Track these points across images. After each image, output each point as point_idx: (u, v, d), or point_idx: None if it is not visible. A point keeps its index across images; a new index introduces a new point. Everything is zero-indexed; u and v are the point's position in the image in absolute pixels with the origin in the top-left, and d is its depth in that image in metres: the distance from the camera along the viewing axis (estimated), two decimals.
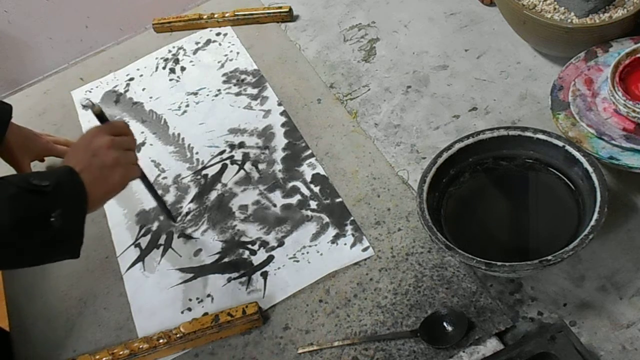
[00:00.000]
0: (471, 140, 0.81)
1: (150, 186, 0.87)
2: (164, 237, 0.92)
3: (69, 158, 0.73)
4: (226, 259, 0.88)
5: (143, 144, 1.05)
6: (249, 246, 0.88)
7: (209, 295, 0.84)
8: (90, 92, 1.17)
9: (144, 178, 0.84)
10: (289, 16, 1.18)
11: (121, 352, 0.79)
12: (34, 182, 0.65)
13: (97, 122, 0.79)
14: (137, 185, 0.99)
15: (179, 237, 0.92)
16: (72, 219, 0.67)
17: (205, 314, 0.82)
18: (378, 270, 0.82)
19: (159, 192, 0.92)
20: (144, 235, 0.93)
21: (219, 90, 1.10)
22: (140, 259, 0.90)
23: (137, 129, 1.08)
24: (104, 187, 0.72)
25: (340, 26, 1.15)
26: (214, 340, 0.80)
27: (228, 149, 1.01)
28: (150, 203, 0.96)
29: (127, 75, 1.18)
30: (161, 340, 0.79)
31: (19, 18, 1.32)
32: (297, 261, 0.85)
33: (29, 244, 0.64)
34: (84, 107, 0.75)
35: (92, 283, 0.89)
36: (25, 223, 0.63)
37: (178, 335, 0.79)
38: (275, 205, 0.92)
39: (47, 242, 0.65)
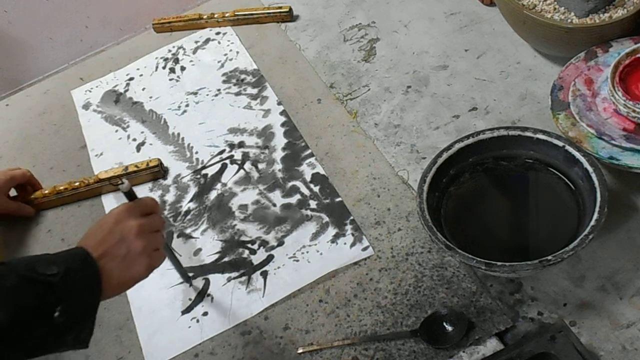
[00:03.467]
0: (471, 140, 0.81)
1: (170, 253, 0.80)
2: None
3: (88, 237, 0.66)
4: (226, 259, 0.88)
5: (143, 143, 1.05)
6: (249, 246, 0.88)
7: (208, 295, 0.84)
8: (90, 91, 1.17)
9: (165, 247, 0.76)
10: (289, 16, 1.18)
11: (47, 192, 0.98)
12: (40, 270, 0.58)
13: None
14: (136, 186, 0.99)
15: (178, 236, 0.92)
16: (79, 313, 0.60)
17: (205, 313, 0.83)
18: (378, 270, 0.82)
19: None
20: None
21: (218, 90, 1.10)
22: None
23: (137, 129, 1.08)
24: (125, 276, 0.65)
25: (340, 26, 1.15)
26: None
27: (228, 149, 1.01)
28: None
29: (127, 75, 1.18)
30: (79, 184, 0.98)
31: (19, 18, 1.32)
32: (297, 260, 0.85)
33: (28, 339, 0.57)
34: (114, 185, 0.69)
35: None
36: (24, 317, 0.56)
37: (95, 181, 0.97)
38: (275, 205, 0.92)
39: (48, 336, 0.58)
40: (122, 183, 0.69)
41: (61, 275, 0.59)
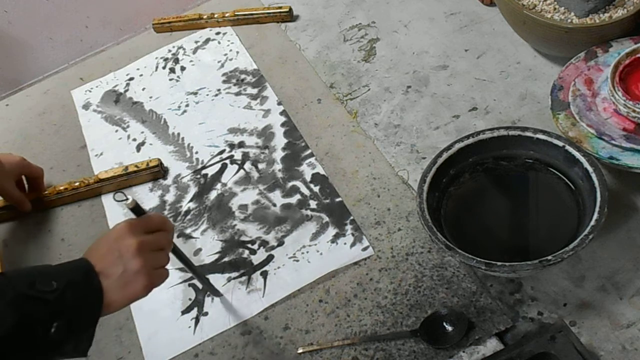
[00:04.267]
0: (471, 140, 0.81)
1: (188, 265, 0.77)
2: None
3: (90, 252, 0.66)
4: (226, 259, 0.88)
5: (143, 143, 1.05)
6: (249, 246, 0.88)
7: (208, 295, 0.84)
8: (90, 91, 1.17)
9: (180, 257, 0.75)
10: (289, 16, 1.18)
11: (47, 192, 0.99)
12: (39, 287, 0.58)
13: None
14: (136, 185, 0.99)
15: (178, 236, 0.92)
16: (78, 328, 0.60)
17: (205, 313, 0.83)
18: (378, 270, 0.82)
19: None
20: None
21: (218, 90, 1.10)
22: None
23: (137, 129, 1.08)
24: (122, 294, 0.64)
25: (340, 26, 1.15)
26: (124, 187, 0.99)
27: (228, 149, 1.01)
28: (149, 203, 0.97)
29: (127, 75, 1.18)
30: (79, 184, 0.99)
31: (19, 18, 1.32)
32: (297, 260, 0.85)
33: (25, 350, 0.57)
34: (118, 201, 0.66)
35: None
36: (21, 332, 0.56)
37: (95, 181, 0.98)
38: (275, 205, 0.92)
39: (47, 349, 0.58)
40: (127, 199, 0.66)
41: (60, 291, 0.59)
